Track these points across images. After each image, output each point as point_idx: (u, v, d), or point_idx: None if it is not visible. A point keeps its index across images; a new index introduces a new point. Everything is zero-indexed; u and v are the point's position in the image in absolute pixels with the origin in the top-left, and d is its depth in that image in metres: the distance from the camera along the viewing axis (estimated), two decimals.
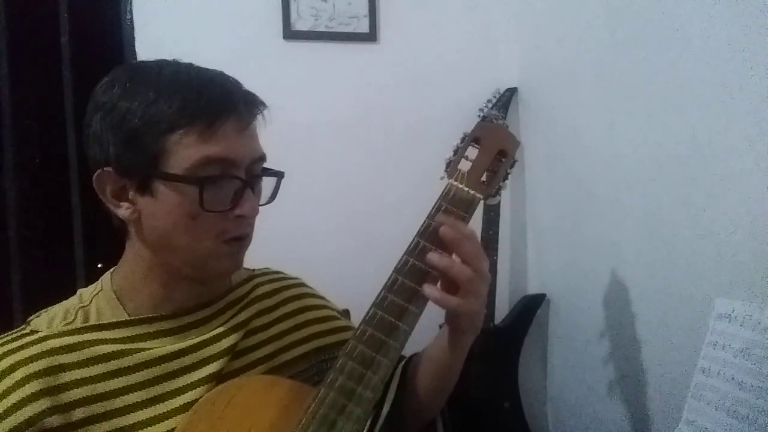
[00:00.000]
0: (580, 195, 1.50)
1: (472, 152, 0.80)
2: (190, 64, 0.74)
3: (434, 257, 0.69)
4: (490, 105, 1.67)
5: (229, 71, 0.76)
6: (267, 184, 0.77)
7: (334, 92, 1.72)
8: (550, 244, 1.70)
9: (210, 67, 0.74)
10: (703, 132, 1.08)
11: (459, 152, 0.79)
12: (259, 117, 0.75)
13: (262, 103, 0.75)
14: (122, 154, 0.69)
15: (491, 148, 0.79)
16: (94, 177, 0.71)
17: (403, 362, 0.87)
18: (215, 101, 0.69)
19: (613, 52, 1.34)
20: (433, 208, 0.76)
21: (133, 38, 1.60)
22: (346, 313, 0.97)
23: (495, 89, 1.75)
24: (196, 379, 0.74)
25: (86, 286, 0.80)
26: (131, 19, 1.61)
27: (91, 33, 1.69)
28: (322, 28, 1.70)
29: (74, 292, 0.80)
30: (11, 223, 1.67)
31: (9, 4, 1.63)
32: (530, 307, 1.70)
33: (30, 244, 1.69)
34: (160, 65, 0.72)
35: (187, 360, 0.74)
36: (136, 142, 0.68)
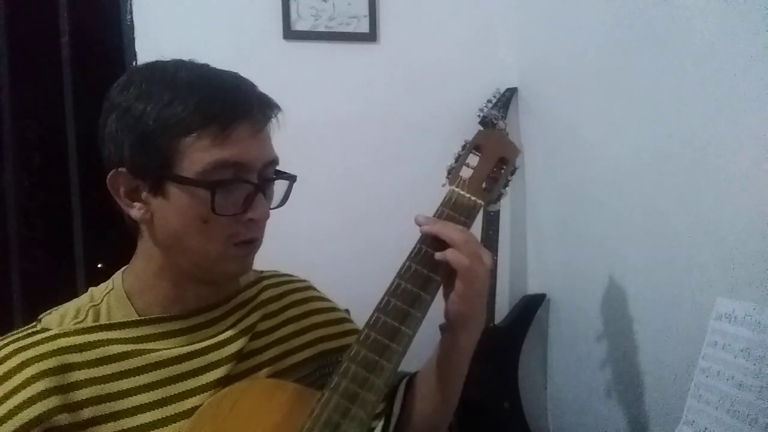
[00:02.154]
0: (580, 195, 1.50)
1: (473, 159, 0.80)
2: (206, 66, 0.73)
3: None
4: (490, 105, 1.67)
5: None
6: (278, 186, 0.77)
7: (334, 92, 1.72)
8: (550, 244, 1.70)
9: (203, 63, 0.74)
10: (702, 132, 1.08)
11: (460, 159, 0.80)
12: (273, 120, 0.75)
13: (277, 106, 0.75)
14: (136, 155, 0.69)
15: (492, 155, 0.80)
16: (108, 177, 0.71)
17: (406, 379, 0.88)
18: (230, 105, 0.69)
19: (613, 52, 1.34)
20: (434, 214, 0.77)
21: (133, 38, 1.60)
22: (346, 313, 0.97)
23: (495, 89, 1.75)
24: (204, 383, 0.74)
25: (86, 286, 0.80)
26: (131, 19, 1.60)
27: (91, 33, 1.69)
28: (322, 28, 1.70)
29: (74, 292, 0.80)
30: (11, 223, 1.67)
31: (9, 4, 1.63)
32: (530, 307, 1.70)
33: (30, 244, 1.69)
34: (177, 67, 0.72)
35: (196, 363, 0.74)
36: (150, 143, 0.68)
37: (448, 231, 0.72)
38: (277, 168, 0.76)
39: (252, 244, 0.74)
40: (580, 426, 1.55)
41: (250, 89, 0.73)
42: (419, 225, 0.74)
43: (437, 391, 0.82)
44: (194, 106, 0.67)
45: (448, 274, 0.73)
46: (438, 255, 0.72)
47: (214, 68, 0.74)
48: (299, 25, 1.68)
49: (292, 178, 0.77)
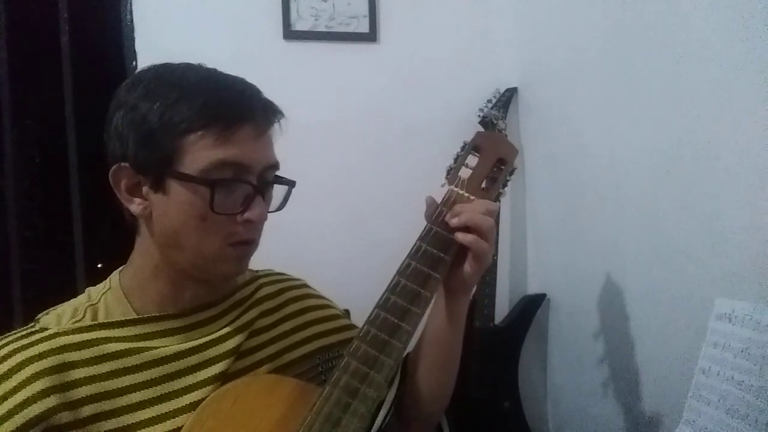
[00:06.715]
0: (580, 195, 1.50)
1: (472, 160, 0.81)
2: (214, 69, 0.75)
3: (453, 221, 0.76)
4: (490, 105, 1.67)
5: (229, 71, 0.76)
6: (277, 191, 0.79)
7: (334, 92, 1.72)
8: (550, 244, 1.70)
9: (210, 67, 0.75)
10: (702, 132, 1.08)
11: (459, 160, 0.82)
12: (276, 125, 0.76)
13: (280, 112, 0.76)
14: (140, 151, 0.70)
15: (491, 156, 0.81)
16: (110, 171, 0.73)
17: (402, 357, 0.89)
18: (234, 106, 0.70)
19: (613, 52, 1.34)
20: (434, 213, 0.77)
21: (133, 39, 1.60)
22: (346, 314, 0.98)
23: (495, 89, 1.75)
24: (202, 378, 0.75)
25: (86, 286, 0.81)
26: (131, 19, 1.61)
27: (91, 33, 1.69)
28: (322, 28, 1.70)
29: (74, 292, 0.80)
30: (11, 223, 1.67)
31: (9, 4, 1.63)
32: (530, 307, 1.70)
33: (30, 244, 1.69)
34: (185, 69, 0.73)
35: (193, 360, 0.75)
36: (154, 140, 0.69)
37: (478, 221, 0.75)
38: (277, 173, 0.77)
39: (248, 245, 0.75)
40: (580, 426, 1.55)
41: (255, 94, 0.75)
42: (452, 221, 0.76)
43: (441, 359, 0.84)
44: (200, 106, 0.69)
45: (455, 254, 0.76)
46: (459, 237, 0.75)
47: (221, 72, 0.75)
48: (299, 25, 1.68)
49: (291, 184, 0.79)
